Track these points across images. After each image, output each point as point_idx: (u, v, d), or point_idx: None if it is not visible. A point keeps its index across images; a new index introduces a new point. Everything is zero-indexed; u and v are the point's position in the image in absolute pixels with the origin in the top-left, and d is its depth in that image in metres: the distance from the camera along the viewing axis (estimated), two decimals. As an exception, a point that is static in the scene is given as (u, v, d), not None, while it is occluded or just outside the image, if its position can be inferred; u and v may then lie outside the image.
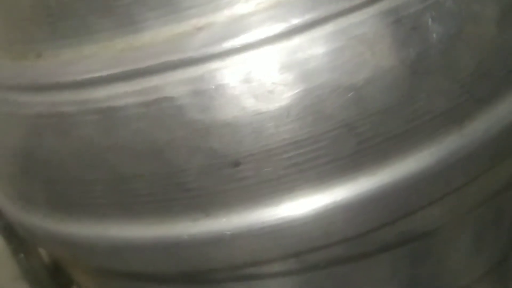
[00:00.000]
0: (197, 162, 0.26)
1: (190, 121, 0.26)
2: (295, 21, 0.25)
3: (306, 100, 0.25)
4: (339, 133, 0.26)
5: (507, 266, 0.38)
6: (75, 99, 0.28)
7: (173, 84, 0.26)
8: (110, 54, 0.27)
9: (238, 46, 0.25)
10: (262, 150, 0.26)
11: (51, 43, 0.30)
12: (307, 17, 0.25)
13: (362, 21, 0.26)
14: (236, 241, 0.27)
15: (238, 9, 0.26)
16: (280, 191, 0.26)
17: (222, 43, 0.26)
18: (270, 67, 0.25)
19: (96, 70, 0.27)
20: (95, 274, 0.35)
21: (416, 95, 0.26)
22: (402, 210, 0.28)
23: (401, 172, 0.27)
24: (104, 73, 0.27)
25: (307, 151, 0.26)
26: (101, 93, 0.27)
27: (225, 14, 0.26)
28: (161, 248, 0.28)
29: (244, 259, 0.28)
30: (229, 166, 0.26)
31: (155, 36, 0.27)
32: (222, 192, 0.26)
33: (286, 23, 0.25)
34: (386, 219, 0.28)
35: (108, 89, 0.27)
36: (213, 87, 0.25)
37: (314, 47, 0.25)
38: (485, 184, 0.31)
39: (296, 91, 0.25)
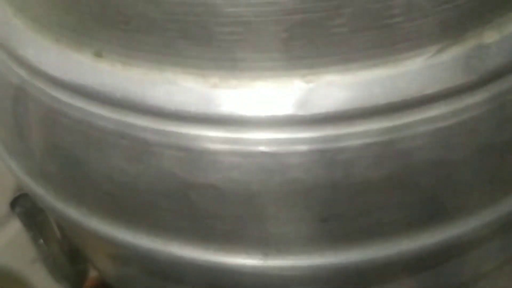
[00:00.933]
0: (288, 214, 0.26)
1: (291, 179, 0.25)
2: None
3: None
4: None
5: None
6: (154, 128, 0.25)
7: (282, 143, 0.24)
8: (201, 88, 0.25)
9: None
10: (349, 209, 0.27)
11: (117, 49, 0.26)
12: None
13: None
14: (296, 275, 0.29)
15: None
16: (361, 243, 0.28)
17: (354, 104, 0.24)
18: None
19: (184, 103, 0.25)
20: (122, 265, 0.35)
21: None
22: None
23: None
24: (194, 109, 0.25)
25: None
26: (188, 131, 0.25)
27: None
28: (226, 274, 0.29)
29: None
30: (318, 221, 0.26)
31: (256, 80, 0.24)
32: (304, 239, 0.27)
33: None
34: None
35: (197, 128, 0.25)
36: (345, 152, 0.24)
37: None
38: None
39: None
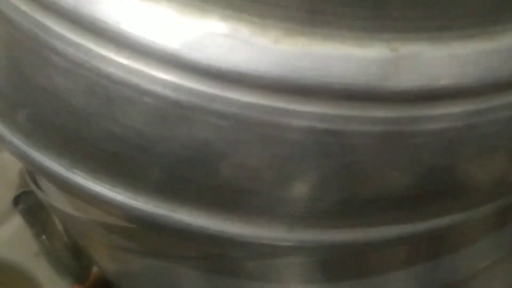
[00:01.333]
0: (334, 195, 0.23)
1: (351, 162, 0.21)
2: None
3: None
4: None
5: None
6: (190, 87, 0.20)
7: (350, 121, 0.20)
8: (257, 41, 0.19)
9: None
10: (400, 193, 0.24)
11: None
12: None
13: None
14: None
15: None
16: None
17: None
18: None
19: (232, 61, 0.19)
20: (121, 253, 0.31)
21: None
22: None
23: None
24: (246, 70, 0.19)
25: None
26: (236, 96, 0.19)
27: None
28: (238, 246, 0.26)
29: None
30: (365, 201, 0.23)
31: (329, 40, 0.19)
32: (340, 217, 0.24)
33: None
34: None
35: (247, 94, 0.19)
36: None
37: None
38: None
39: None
